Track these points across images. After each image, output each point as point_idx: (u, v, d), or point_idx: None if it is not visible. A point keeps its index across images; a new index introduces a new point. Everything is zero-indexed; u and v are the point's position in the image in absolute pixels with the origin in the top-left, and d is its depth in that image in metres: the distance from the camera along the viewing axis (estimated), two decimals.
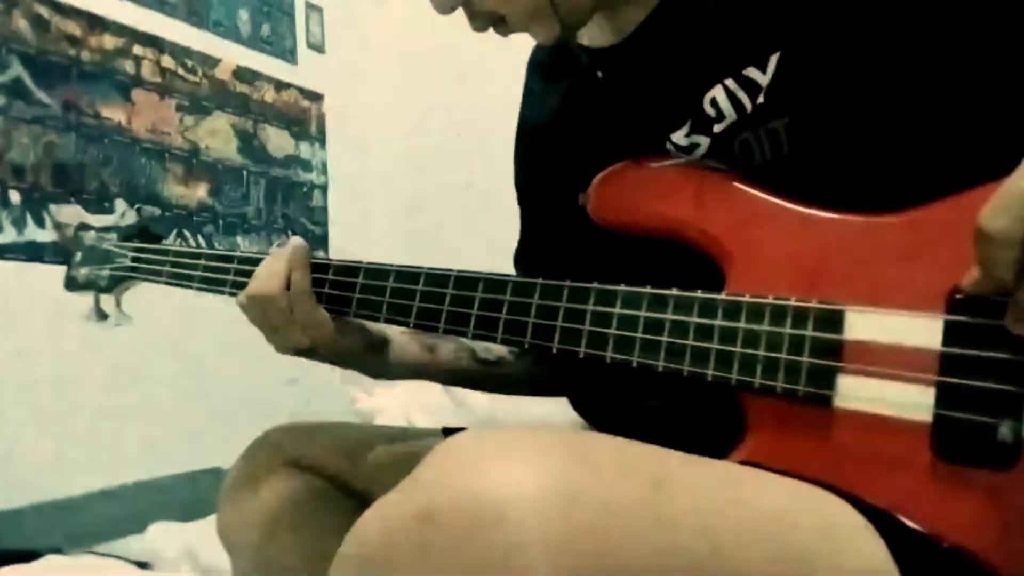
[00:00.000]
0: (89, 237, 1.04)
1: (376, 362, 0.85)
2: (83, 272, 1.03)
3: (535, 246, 0.93)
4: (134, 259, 0.98)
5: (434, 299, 0.74)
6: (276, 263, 0.79)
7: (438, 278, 0.74)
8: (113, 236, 1.02)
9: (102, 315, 1.02)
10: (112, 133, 1.97)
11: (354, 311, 0.79)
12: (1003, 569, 0.50)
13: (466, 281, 0.73)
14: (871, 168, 0.62)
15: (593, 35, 0.78)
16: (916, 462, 0.53)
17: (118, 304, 1.02)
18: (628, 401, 0.77)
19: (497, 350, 0.91)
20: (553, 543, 0.40)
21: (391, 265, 0.77)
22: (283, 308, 0.78)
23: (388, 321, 0.77)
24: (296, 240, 0.81)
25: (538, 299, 0.68)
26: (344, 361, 0.83)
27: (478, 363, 0.90)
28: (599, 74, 0.76)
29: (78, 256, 1.05)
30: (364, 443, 0.87)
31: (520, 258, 0.96)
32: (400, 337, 0.87)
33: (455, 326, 0.73)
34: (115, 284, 1.01)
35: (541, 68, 0.89)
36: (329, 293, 0.80)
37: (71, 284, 1.05)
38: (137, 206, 1.04)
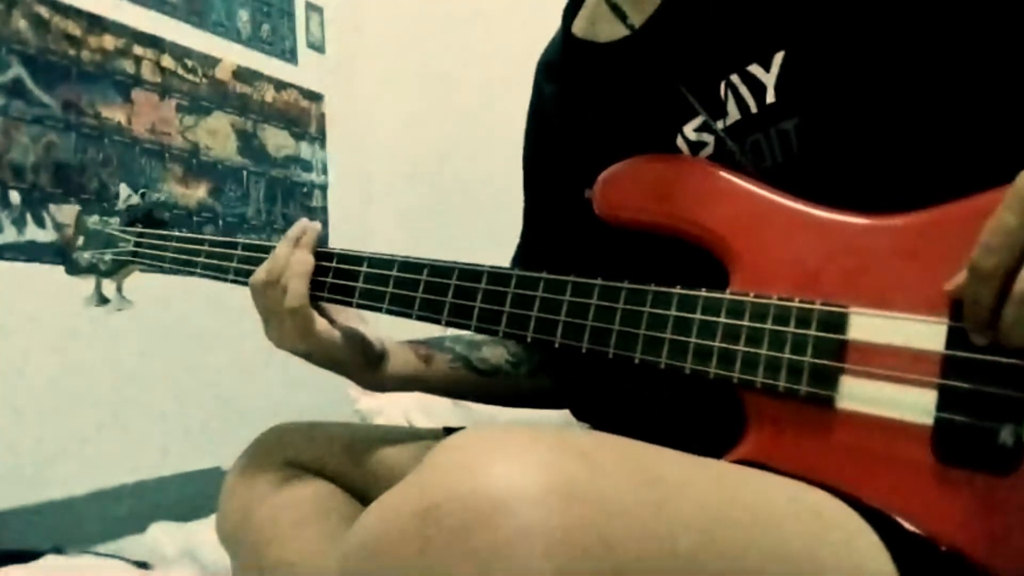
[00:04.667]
0: (92, 221, 1.03)
1: (372, 375, 0.85)
2: (85, 256, 1.02)
3: (538, 242, 0.93)
4: (136, 244, 0.97)
5: (437, 290, 0.74)
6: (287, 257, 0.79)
7: (442, 270, 0.74)
8: (116, 220, 1.01)
9: (103, 300, 1.01)
10: (112, 133, 1.96)
11: (356, 302, 0.78)
12: (1001, 573, 0.50)
13: (469, 274, 0.73)
14: (881, 170, 0.62)
15: (606, 30, 0.79)
16: (916, 464, 0.53)
17: (119, 289, 1.01)
18: (628, 401, 0.77)
19: (493, 360, 0.90)
20: (553, 540, 0.40)
21: (395, 256, 0.78)
22: (284, 308, 0.78)
23: (390, 312, 0.77)
24: (306, 239, 0.81)
25: (542, 293, 0.68)
26: (340, 370, 0.83)
27: (473, 373, 0.90)
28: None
29: (80, 240, 1.03)
30: (364, 443, 0.87)
31: (519, 260, 0.96)
32: (396, 348, 0.87)
33: (457, 318, 0.73)
34: (117, 269, 1.00)
35: (551, 67, 0.90)
36: (332, 283, 0.80)
37: (72, 268, 1.03)
38: (141, 191, 1.03)
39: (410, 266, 0.76)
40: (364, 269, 0.79)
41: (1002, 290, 0.47)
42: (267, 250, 0.84)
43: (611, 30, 0.78)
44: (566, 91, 0.85)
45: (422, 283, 0.75)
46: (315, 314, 0.78)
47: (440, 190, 2.55)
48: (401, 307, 0.76)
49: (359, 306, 0.79)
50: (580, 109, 0.82)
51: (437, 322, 0.75)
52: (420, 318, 0.75)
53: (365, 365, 0.84)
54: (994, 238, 0.47)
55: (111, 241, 1.00)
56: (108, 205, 1.04)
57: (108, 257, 1.00)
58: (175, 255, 0.91)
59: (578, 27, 0.85)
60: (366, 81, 2.71)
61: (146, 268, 0.99)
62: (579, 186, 0.73)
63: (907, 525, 0.52)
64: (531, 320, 0.68)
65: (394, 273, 0.77)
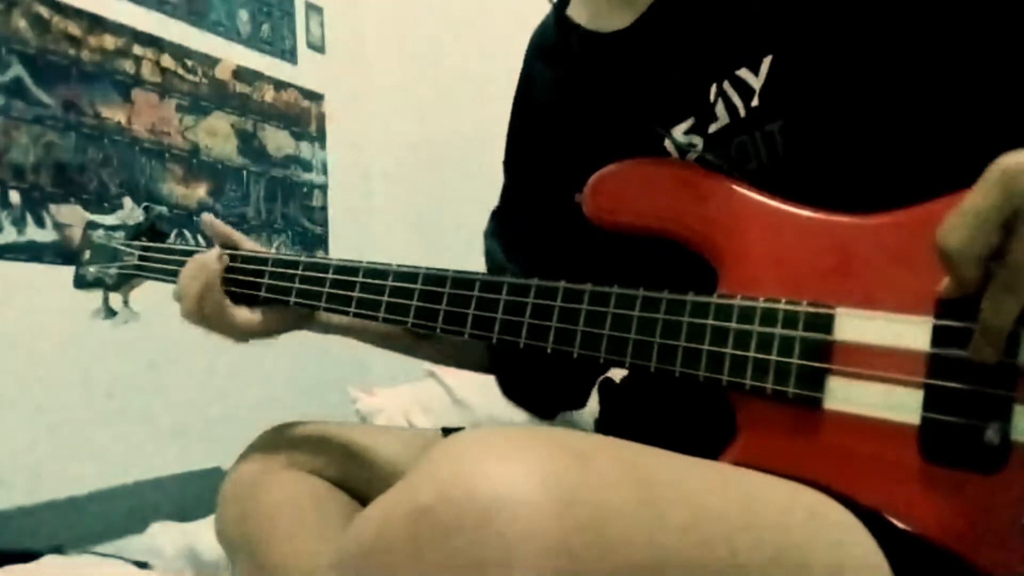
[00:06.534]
0: (97, 235, 1.06)
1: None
2: (91, 270, 1.05)
3: (518, 220, 0.93)
4: (141, 257, 0.99)
5: (432, 298, 0.75)
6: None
7: (436, 278, 0.75)
8: (121, 234, 1.04)
9: (111, 312, 1.04)
10: (112, 133, 1.97)
11: (353, 311, 0.79)
12: (989, 570, 0.50)
13: (462, 282, 0.73)
14: (866, 170, 0.62)
15: (599, 21, 0.79)
16: (904, 464, 0.53)
17: (126, 302, 1.04)
18: (622, 403, 0.77)
19: None
20: (549, 542, 0.40)
21: (389, 265, 0.78)
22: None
23: (385, 321, 0.78)
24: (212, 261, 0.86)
25: (532, 299, 0.68)
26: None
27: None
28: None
29: (87, 254, 1.07)
30: (364, 443, 0.88)
31: (501, 228, 0.96)
32: None
33: (452, 325, 0.73)
34: (123, 282, 1.02)
35: (546, 51, 0.89)
36: (332, 292, 0.81)
37: (80, 282, 1.06)
38: (145, 204, 1.06)
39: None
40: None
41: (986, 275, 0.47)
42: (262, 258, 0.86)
43: (604, 22, 0.78)
44: (564, 79, 0.84)
45: (415, 291, 0.76)
46: (230, 314, 0.87)
47: (440, 190, 2.55)
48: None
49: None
50: (573, 99, 0.81)
51: (432, 330, 0.76)
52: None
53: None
54: (957, 217, 0.47)
55: (116, 255, 1.03)
56: (108, 206, 1.06)
57: (114, 271, 1.03)
58: (178, 268, 0.93)
59: (573, 11, 0.84)
60: (366, 81, 2.72)
61: (151, 280, 1.01)
62: (570, 187, 0.74)
63: (897, 523, 0.53)
64: (523, 326, 0.68)
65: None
